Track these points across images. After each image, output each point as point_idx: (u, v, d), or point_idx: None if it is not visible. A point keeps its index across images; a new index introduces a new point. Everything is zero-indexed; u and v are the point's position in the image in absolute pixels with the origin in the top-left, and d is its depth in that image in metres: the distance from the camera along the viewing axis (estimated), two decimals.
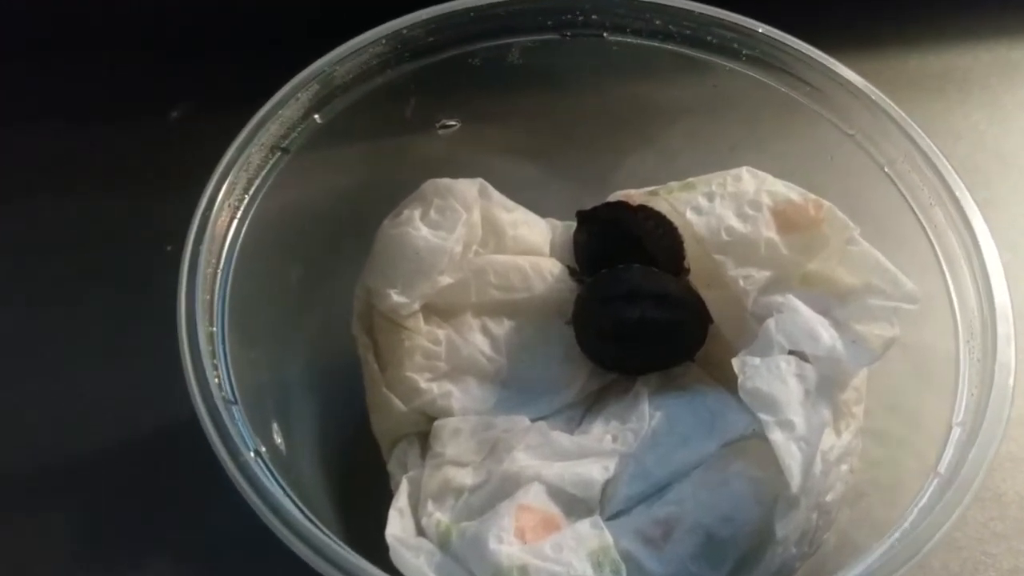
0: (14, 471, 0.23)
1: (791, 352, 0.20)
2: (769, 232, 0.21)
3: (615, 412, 0.21)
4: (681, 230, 0.22)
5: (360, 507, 0.20)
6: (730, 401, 0.20)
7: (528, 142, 0.24)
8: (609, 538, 0.18)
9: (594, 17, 0.22)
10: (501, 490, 0.19)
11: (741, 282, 0.21)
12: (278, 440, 0.19)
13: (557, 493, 0.19)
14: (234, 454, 0.17)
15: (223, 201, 0.19)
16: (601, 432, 0.21)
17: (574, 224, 0.23)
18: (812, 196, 0.21)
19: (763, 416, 0.19)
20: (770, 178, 0.22)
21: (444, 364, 0.22)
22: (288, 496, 0.17)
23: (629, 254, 0.22)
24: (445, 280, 0.22)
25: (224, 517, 0.18)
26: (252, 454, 0.17)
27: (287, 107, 0.21)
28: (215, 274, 0.19)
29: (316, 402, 0.22)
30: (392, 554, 0.18)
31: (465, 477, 0.20)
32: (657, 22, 0.22)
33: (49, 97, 0.29)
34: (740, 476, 0.19)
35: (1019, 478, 0.24)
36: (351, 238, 0.22)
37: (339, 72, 0.21)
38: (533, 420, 0.21)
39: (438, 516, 0.19)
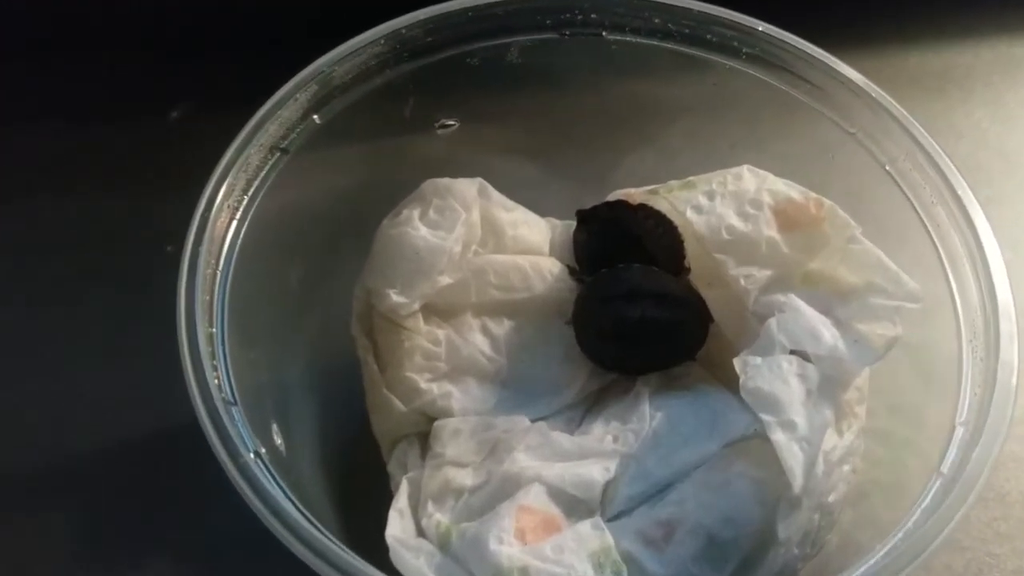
0: (14, 471, 0.23)
1: (793, 352, 0.20)
2: (770, 231, 0.21)
3: (616, 412, 0.21)
4: (681, 229, 0.22)
5: (360, 508, 0.20)
6: (731, 401, 0.20)
7: (527, 141, 0.24)
8: (610, 539, 0.18)
9: (593, 16, 0.22)
10: (501, 491, 0.19)
11: (742, 281, 0.21)
12: (278, 441, 0.19)
13: (558, 494, 0.19)
14: (234, 455, 0.17)
15: (222, 202, 0.19)
16: (602, 432, 0.21)
17: (574, 223, 0.23)
18: (813, 195, 0.21)
19: (765, 416, 0.19)
20: (771, 176, 0.22)
21: (444, 364, 0.22)
22: (288, 497, 0.17)
23: (629, 253, 0.22)
24: (445, 280, 0.22)
25: (224, 517, 0.18)
26: (252, 455, 0.17)
27: (286, 107, 0.21)
28: (215, 275, 0.19)
29: (316, 403, 0.22)
30: (392, 555, 0.18)
31: (465, 478, 0.20)
32: (656, 20, 0.22)
33: (49, 97, 0.29)
34: (742, 477, 0.19)
35: (1023, 478, 0.24)
36: (350, 238, 0.22)
37: (338, 72, 0.21)
38: (533, 420, 0.21)
39: (438, 517, 0.19)
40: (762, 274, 0.21)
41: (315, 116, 0.21)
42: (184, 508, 0.22)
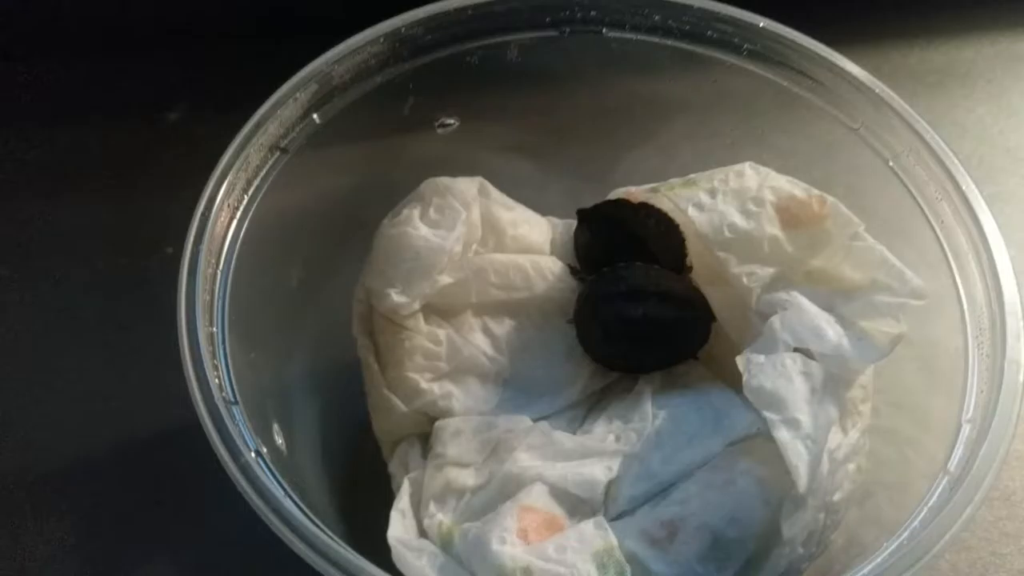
0: (14, 471, 0.23)
1: (796, 350, 0.19)
2: (773, 228, 0.21)
3: (618, 411, 0.21)
4: (683, 227, 0.22)
5: (361, 508, 0.20)
6: (735, 400, 0.20)
7: (527, 140, 0.24)
8: (613, 539, 0.18)
9: (593, 13, 0.22)
10: (503, 491, 0.19)
11: (744, 279, 0.21)
12: (279, 441, 0.19)
13: (560, 494, 0.19)
14: (235, 455, 0.17)
15: (222, 201, 0.19)
16: (604, 432, 0.20)
17: (575, 222, 0.23)
18: (816, 192, 0.21)
19: (769, 414, 0.19)
20: (773, 173, 0.22)
21: (445, 364, 0.22)
22: (289, 497, 0.17)
23: (631, 252, 0.22)
24: (445, 280, 0.22)
25: (225, 517, 0.18)
26: (253, 455, 0.17)
27: (286, 107, 0.20)
28: (215, 274, 0.19)
29: (317, 403, 0.22)
30: (394, 556, 0.18)
31: (467, 478, 0.20)
32: (656, 17, 0.22)
33: (49, 97, 0.29)
34: (746, 475, 0.19)
35: None
36: (351, 237, 0.22)
37: (337, 71, 0.21)
38: (535, 420, 0.21)
39: (440, 517, 0.19)
40: (765, 272, 0.21)
41: (315, 115, 0.21)
42: (184, 508, 0.22)
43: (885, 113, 0.21)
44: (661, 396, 0.21)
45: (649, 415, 0.20)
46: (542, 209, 0.24)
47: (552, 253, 0.23)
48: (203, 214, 0.19)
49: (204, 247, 0.18)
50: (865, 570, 0.16)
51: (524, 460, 0.20)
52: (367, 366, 0.22)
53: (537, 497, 0.19)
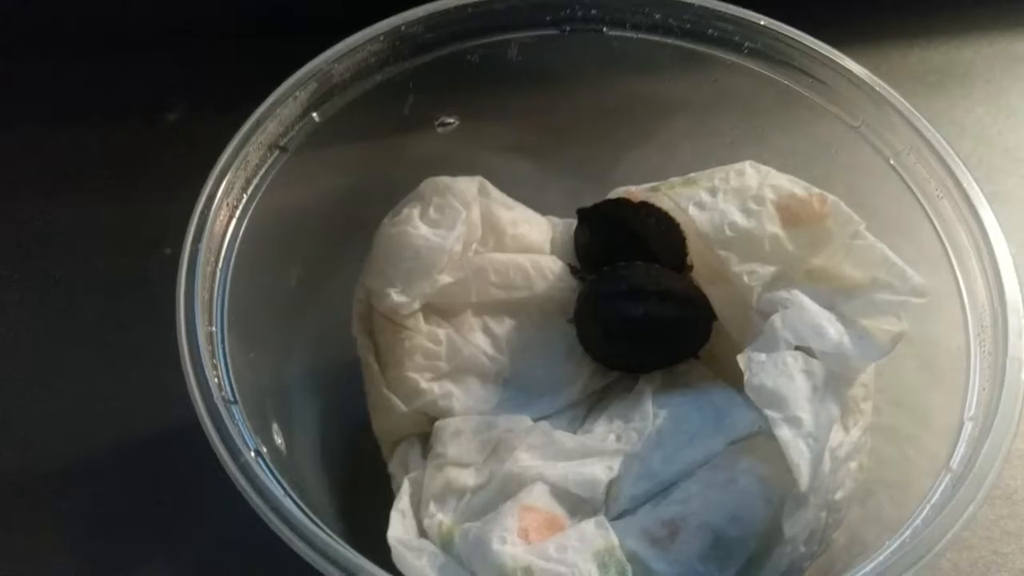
0: (14, 471, 0.23)
1: (797, 348, 0.19)
2: (773, 227, 0.21)
3: (618, 411, 0.21)
4: (683, 226, 0.22)
5: (361, 509, 0.20)
6: (736, 398, 0.20)
7: (528, 139, 0.24)
8: (614, 538, 0.18)
9: (593, 12, 0.22)
10: (504, 491, 0.19)
11: (745, 278, 0.21)
12: (278, 440, 0.19)
13: (561, 493, 0.19)
14: (234, 454, 0.17)
15: (221, 200, 0.19)
16: (604, 431, 0.20)
17: (575, 222, 0.23)
18: (816, 190, 0.21)
19: (770, 413, 0.18)
20: (773, 172, 0.22)
21: (445, 364, 0.22)
22: (289, 496, 0.17)
23: (631, 251, 0.22)
24: (445, 279, 0.22)
25: (224, 517, 0.18)
26: (253, 454, 0.17)
27: (285, 105, 0.20)
28: (214, 273, 0.19)
29: (316, 403, 0.22)
30: (394, 556, 0.18)
31: (467, 478, 0.20)
32: (657, 16, 0.22)
33: (49, 97, 0.29)
34: (747, 474, 0.19)
35: None
36: (350, 237, 0.22)
37: (337, 70, 0.21)
38: (535, 420, 0.21)
39: (440, 517, 0.19)
40: (765, 271, 0.21)
41: (314, 114, 0.21)
42: (184, 508, 0.22)
43: (886, 111, 0.21)
44: (662, 395, 0.21)
45: (650, 414, 0.20)
46: (542, 208, 0.24)
47: (552, 252, 0.23)
48: (202, 213, 0.19)
49: (203, 245, 0.18)
50: (867, 568, 0.16)
51: (525, 460, 0.20)
52: (367, 366, 0.22)
53: (538, 497, 0.19)
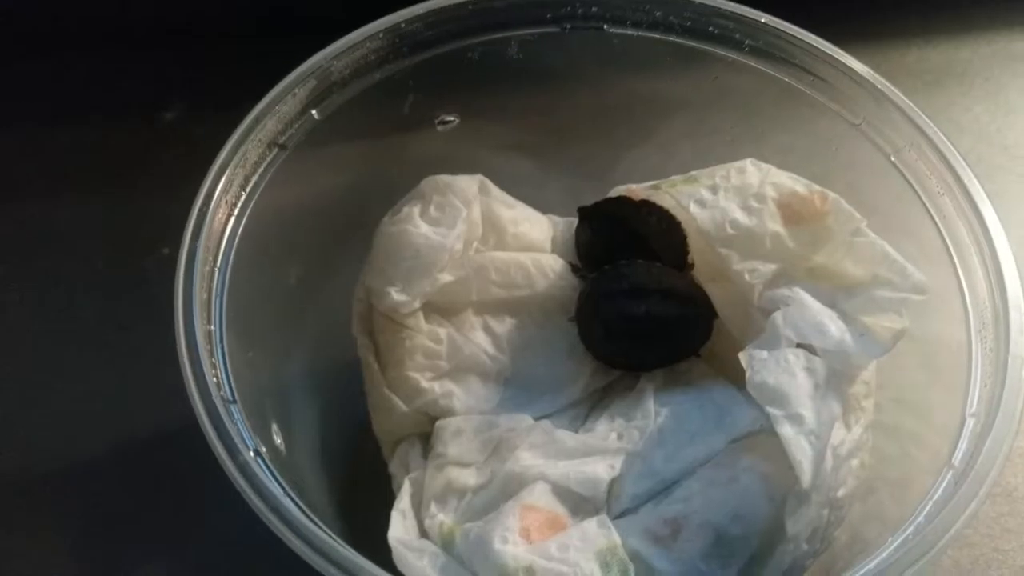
0: (14, 471, 0.23)
1: (799, 346, 0.19)
2: (774, 225, 0.21)
3: (620, 409, 0.21)
4: (684, 224, 0.22)
5: (362, 509, 0.20)
6: (737, 396, 0.20)
7: (528, 137, 0.24)
8: (617, 537, 0.18)
9: (594, 9, 0.22)
10: (505, 490, 0.19)
11: (746, 276, 0.21)
12: (278, 440, 0.19)
13: (562, 492, 0.19)
14: (233, 454, 0.17)
15: (220, 198, 0.19)
16: (606, 430, 0.20)
17: (575, 220, 0.23)
18: (817, 187, 0.21)
19: (772, 410, 0.18)
20: (774, 170, 0.22)
21: (445, 363, 0.21)
22: (288, 495, 0.17)
23: (632, 250, 0.22)
24: (445, 278, 0.21)
25: (224, 517, 0.18)
26: (252, 454, 0.17)
27: (284, 103, 0.20)
28: (212, 272, 0.19)
29: (316, 402, 0.22)
30: (395, 556, 0.18)
31: (468, 477, 0.20)
32: (657, 13, 0.22)
33: (49, 97, 0.29)
34: (749, 472, 0.19)
35: None
36: (350, 235, 0.22)
37: (336, 67, 0.21)
38: (537, 419, 0.21)
39: (441, 517, 0.19)
40: (767, 268, 0.21)
41: (314, 111, 0.21)
42: (184, 508, 0.22)
43: (886, 108, 0.21)
44: (663, 393, 0.21)
45: (651, 413, 0.20)
46: (542, 207, 0.24)
47: (553, 251, 0.23)
48: (200, 210, 0.19)
49: (201, 244, 0.18)
50: (869, 566, 0.16)
51: (526, 459, 0.20)
52: (367, 365, 0.22)
53: (539, 496, 0.19)
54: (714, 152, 0.22)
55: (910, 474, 0.19)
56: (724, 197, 0.21)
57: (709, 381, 0.21)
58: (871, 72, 0.21)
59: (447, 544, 0.19)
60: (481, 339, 0.22)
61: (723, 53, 0.22)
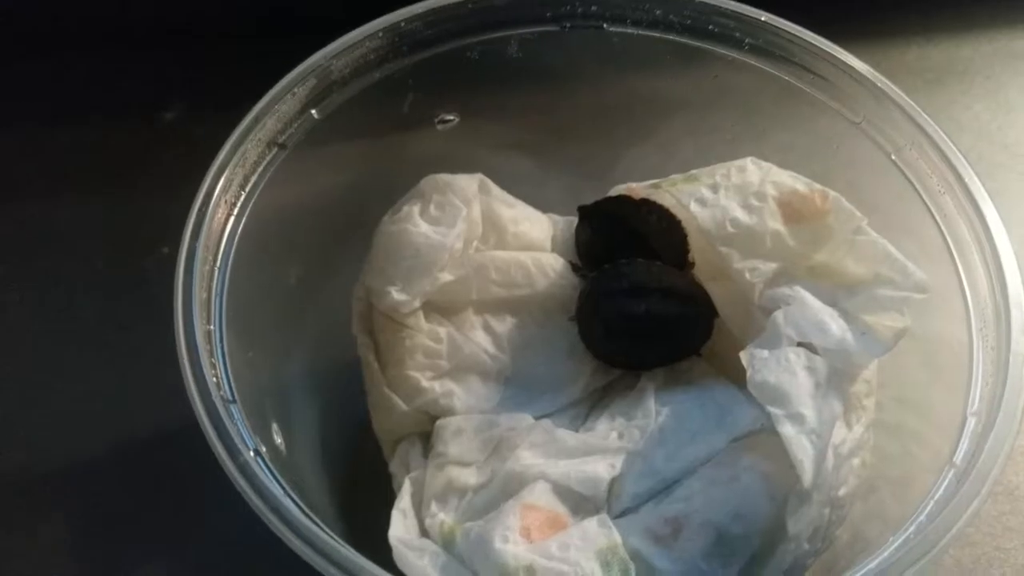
0: (14, 471, 0.23)
1: (800, 344, 0.19)
2: (775, 223, 0.21)
3: (621, 409, 0.21)
4: (685, 223, 0.22)
5: (362, 508, 0.20)
6: (738, 395, 0.20)
7: (528, 136, 0.24)
8: (617, 537, 0.18)
9: (594, 8, 0.22)
10: (505, 489, 0.19)
11: (747, 275, 0.21)
12: (278, 440, 0.19)
13: (563, 491, 0.19)
14: (233, 454, 0.17)
15: (219, 197, 0.19)
16: (607, 429, 0.20)
17: (575, 219, 0.23)
18: (818, 186, 0.21)
19: (773, 409, 0.18)
20: (775, 168, 0.22)
21: (446, 362, 0.21)
22: (288, 495, 0.16)
23: (632, 248, 0.22)
24: (445, 277, 0.21)
25: (224, 517, 0.18)
26: (252, 454, 0.17)
27: (284, 102, 0.20)
28: (212, 271, 0.19)
29: (316, 402, 0.22)
30: (395, 556, 0.18)
31: (469, 477, 0.20)
32: (658, 12, 0.22)
33: (49, 97, 0.29)
34: (750, 471, 0.19)
35: None
36: (350, 235, 0.22)
37: (336, 66, 0.21)
38: (537, 418, 0.21)
39: (442, 517, 0.19)
40: (767, 267, 0.21)
41: (313, 111, 0.21)
42: (184, 508, 0.22)
43: (887, 106, 0.21)
44: (664, 393, 0.21)
45: (652, 412, 0.20)
46: (542, 206, 0.24)
47: (553, 250, 0.23)
48: (200, 210, 0.19)
49: (201, 243, 0.18)
50: (871, 565, 0.16)
51: (526, 458, 0.20)
52: (367, 364, 0.22)
53: (540, 495, 0.19)
54: (714, 151, 0.22)
55: (911, 473, 0.19)
56: (724, 196, 0.21)
57: (710, 380, 0.21)
58: (871, 70, 0.21)
59: (448, 543, 0.19)
60: (481, 338, 0.22)
61: (723, 52, 0.22)
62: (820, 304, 0.20)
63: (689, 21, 0.22)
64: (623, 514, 0.19)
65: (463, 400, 0.21)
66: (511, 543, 0.18)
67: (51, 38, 0.29)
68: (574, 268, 0.23)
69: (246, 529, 0.16)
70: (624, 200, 0.22)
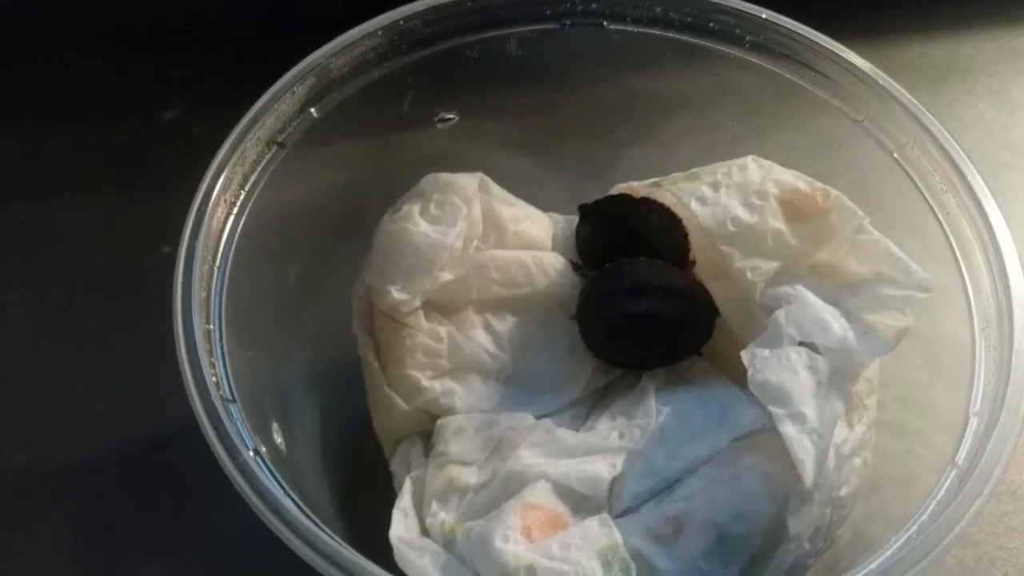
0: (14, 471, 0.23)
1: (801, 344, 0.19)
2: (776, 222, 0.21)
3: (621, 408, 0.21)
4: (686, 221, 0.22)
5: (363, 508, 0.20)
6: (739, 395, 0.20)
7: (528, 135, 0.24)
8: (618, 536, 0.18)
9: (594, 6, 0.22)
10: (506, 489, 0.19)
11: (748, 274, 0.21)
12: (278, 440, 0.19)
13: (564, 491, 0.19)
14: (233, 454, 0.16)
15: (219, 196, 0.19)
16: (607, 429, 0.20)
17: (576, 218, 0.23)
18: (820, 185, 0.21)
19: (774, 409, 0.18)
20: (776, 167, 0.21)
21: (446, 362, 0.21)
22: (288, 495, 0.16)
23: (633, 247, 0.22)
24: (446, 276, 0.21)
25: (224, 517, 0.18)
26: (251, 453, 0.17)
27: (283, 101, 0.20)
28: (211, 271, 0.19)
29: (316, 401, 0.22)
30: (396, 555, 0.18)
31: (469, 476, 0.20)
32: (658, 10, 0.22)
33: (49, 97, 0.29)
34: (751, 471, 0.19)
35: None
36: (350, 234, 0.22)
37: (335, 65, 0.21)
38: (538, 417, 0.21)
39: (442, 516, 0.19)
40: (768, 266, 0.21)
41: (312, 109, 0.21)
42: (184, 508, 0.22)
43: (889, 105, 0.21)
44: (665, 392, 0.21)
45: (653, 411, 0.20)
46: (543, 205, 0.24)
47: (554, 249, 0.23)
48: (199, 209, 0.19)
49: (200, 243, 0.18)
50: (872, 565, 0.16)
51: (527, 458, 0.19)
52: (367, 364, 0.22)
53: (540, 495, 0.19)
54: (715, 149, 0.22)
55: (914, 472, 0.19)
56: (725, 194, 0.21)
57: (711, 379, 0.21)
58: (874, 68, 0.21)
59: (448, 543, 0.19)
60: (482, 337, 0.22)
61: (724, 50, 0.22)
62: (822, 303, 0.20)
63: (690, 19, 0.22)
64: (624, 514, 0.19)
65: (464, 399, 0.21)
66: (512, 543, 0.18)
67: (51, 38, 0.29)
68: (575, 267, 0.23)
69: (246, 529, 0.16)
70: (625, 199, 0.22)
